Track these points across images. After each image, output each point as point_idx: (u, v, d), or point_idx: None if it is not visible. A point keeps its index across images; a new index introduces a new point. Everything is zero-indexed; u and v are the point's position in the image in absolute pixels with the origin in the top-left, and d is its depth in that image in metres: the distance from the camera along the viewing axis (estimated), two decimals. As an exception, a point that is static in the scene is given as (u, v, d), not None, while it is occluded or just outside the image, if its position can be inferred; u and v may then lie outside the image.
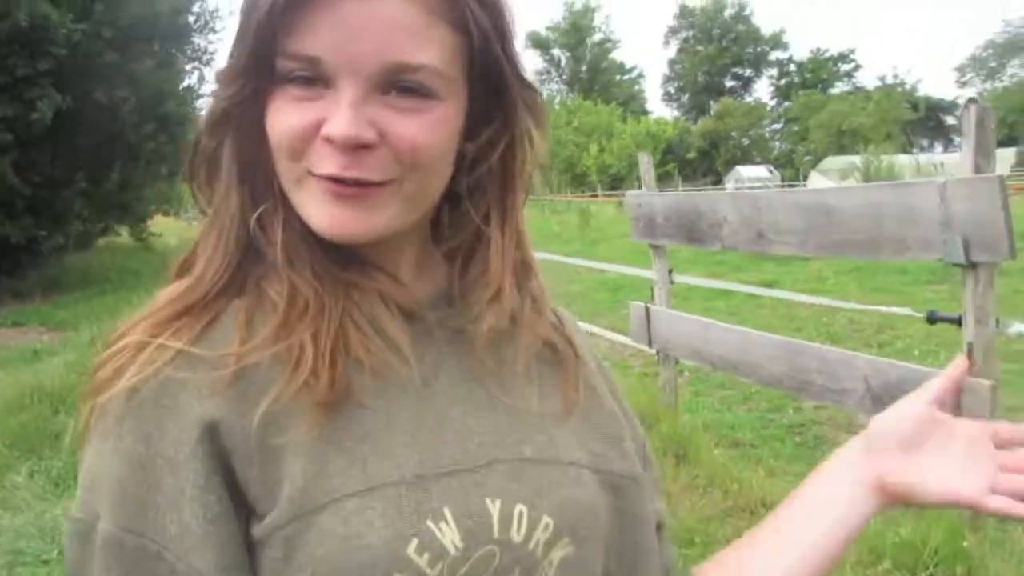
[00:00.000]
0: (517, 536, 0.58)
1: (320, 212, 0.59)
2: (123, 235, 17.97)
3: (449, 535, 0.55)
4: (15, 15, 10.28)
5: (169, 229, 21.53)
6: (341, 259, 0.63)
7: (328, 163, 0.57)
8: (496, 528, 0.57)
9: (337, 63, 0.57)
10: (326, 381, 0.57)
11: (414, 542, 0.54)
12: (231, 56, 0.60)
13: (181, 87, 15.38)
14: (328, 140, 0.57)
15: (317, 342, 0.58)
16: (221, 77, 0.60)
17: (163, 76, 13.67)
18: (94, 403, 0.58)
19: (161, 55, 14.00)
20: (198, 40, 14.89)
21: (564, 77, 79.53)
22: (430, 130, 0.59)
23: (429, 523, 0.55)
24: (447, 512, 0.56)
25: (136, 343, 0.59)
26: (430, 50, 0.58)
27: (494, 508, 0.58)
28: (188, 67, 15.58)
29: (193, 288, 0.61)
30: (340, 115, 0.56)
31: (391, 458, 0.57)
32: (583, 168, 50.79)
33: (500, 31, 0.62)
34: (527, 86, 0.65)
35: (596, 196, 37.37)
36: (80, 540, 0.56)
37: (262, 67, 0.58)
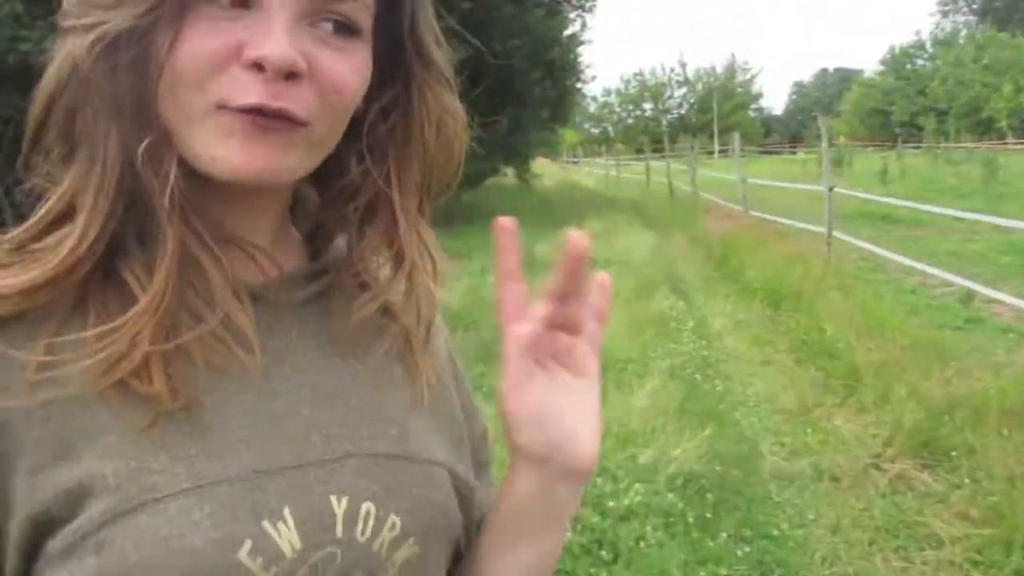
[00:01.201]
0: (361, 536, 0.54)
1: (229, 148, 0.51)
2: (508, 175, 19.57)
3: (287, 536, 0.51)
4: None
5: (547, 171, 23.00)
6: (203, 224, 0.53)
7: (253, 92, 0.50)
8: (340, 527, 0.53)
9: None
10: (159, 389, 0.50)
11: (247, 544, 0.49)
12: None
13: (565, 34, 16.11)
14: (257, 65, 0.50)
15: (152, 340, 0.50)
16: None
17: (551, 24, 14.41)
18: None
19: (550, 4, 14.76)
20: (582, -12, 15.37)
21: (974, 7, 68.99)
22: (354, 71, 0.54)
23: (265, 523, 0.50)
24: (286, 512, 0.51)
25: None
26: None
27: (339, 506, 0.54)
28: (572, 15, 16.23)
29: (69, 255, 0.51)
30: (275, 37, 0.50)
31: (224, 455, 0.51)
32: (991, 112, 43.94)
33: None
34: (433, 45, 0.60)
35: (1006, 143, 32.15)
36: None
37: None
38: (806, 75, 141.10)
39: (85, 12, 0.50)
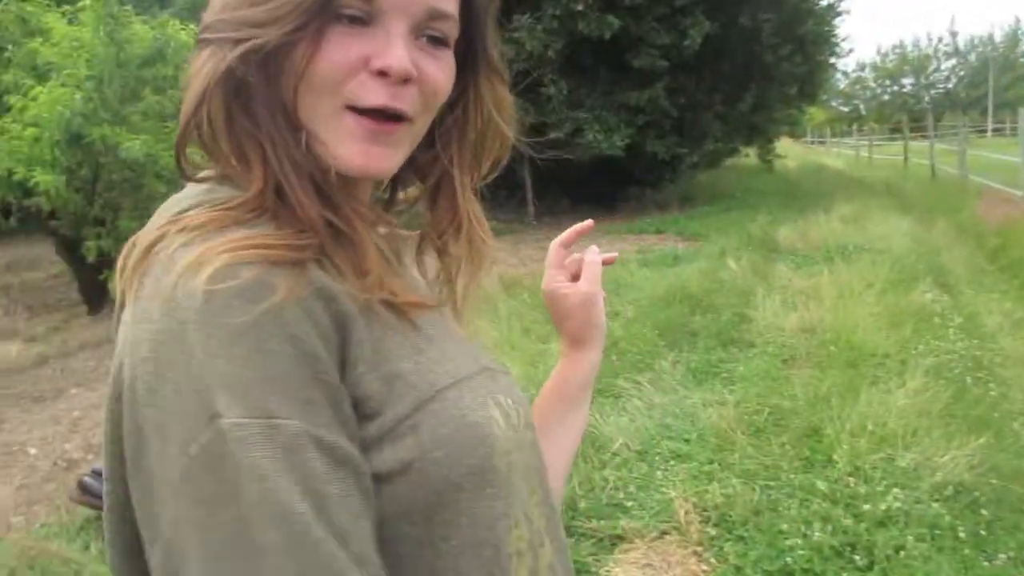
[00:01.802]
0: (516, 421, 0.69)
1: (353, 148, 0.63)
2: (749, 155, 18.77)
3: (499, 417, 0.66)
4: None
5: (792, 152, 21.78)
6: (364, 207, 0.69)
7: (377, 95, 0.62)
8: (512, 414, 0.68)
9: (390, 3, 0.61)
10: (411, 297, 0.67)
11: (496, 421, 0.65)
12: None
13: (820, 5, 15.07)
14: (382, 73, 0.61)
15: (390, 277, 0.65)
16: (275, 12, 0.59)
17: (805, -5, 13.54)
18: (211, 293, 0.53)
19: (806, -27, 13.87)
20: (846, -47, 14.23)
21: None
22: (446, 76, 0.66)
23: (492, 408, 0.66)
24: (491, 401, 0.67)
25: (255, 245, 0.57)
26: (453, 3, 0.66)
27: (502, 400, 0.68)
28: (831, -16, 15.12)
29: (304, 222, 0.61)
30: (397, 49, 0.61)
31: (451, 360, 0.67)
32: None
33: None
34: (494, 48, 0.72)
35: None
36: (264, 441, 0.51)
37: (323, 5, 0.59)
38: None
39: (236, 28, 0.61)
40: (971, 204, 11.24)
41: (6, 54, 8.27)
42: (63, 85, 6.98)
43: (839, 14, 15.87)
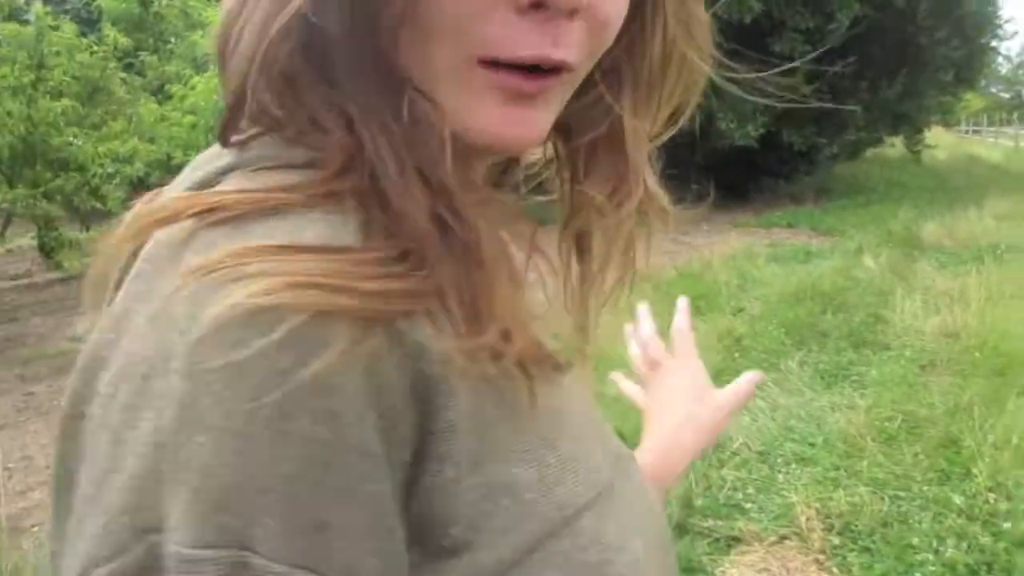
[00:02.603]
0: (654, 536, 0.52)
1: (493, 113, 0.42)
2: (895, 146, 17.76)
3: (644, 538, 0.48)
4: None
5: (943, 141, 20.46)
6: (475, 188, 0.45)
7: (531, 41, 0.41)
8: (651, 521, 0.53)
9: None
10: (539, 358, 0.42)
11: (639, 544, 0.46)
12: None
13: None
14: (537, 4, 0.40)
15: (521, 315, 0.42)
16: None
17: (966, -27, 12.64)
18: (223, 333, 0.33)
19: (967, -51, 12.95)
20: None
21: None
22: (620, 2, 0.45)
23: (637, 512, 0.49)
24: (638, 507, 0.50)
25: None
26: None
27: (641, 504, 0.52)
28: (996, -39, 14.05)
29: (409, 236, 0.38)
30: None
31: (591, 456, 0.47)
32: None
33: None
34: None
35: None
36: None
37: None
38: None
39: None
40: None
41: (169, 46, 8.92)
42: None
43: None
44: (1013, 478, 3.13)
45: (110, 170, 7.35)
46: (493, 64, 0.42)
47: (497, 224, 0.45)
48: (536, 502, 0.41)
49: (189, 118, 7.53)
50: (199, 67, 7.93)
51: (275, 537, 0.33)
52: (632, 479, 0.51)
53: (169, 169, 7.69)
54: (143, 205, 0.43)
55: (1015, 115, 39.08)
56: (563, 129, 0.52)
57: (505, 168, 0.55)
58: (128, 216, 0.42)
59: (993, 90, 58.53)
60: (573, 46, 0.43)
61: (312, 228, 0.37)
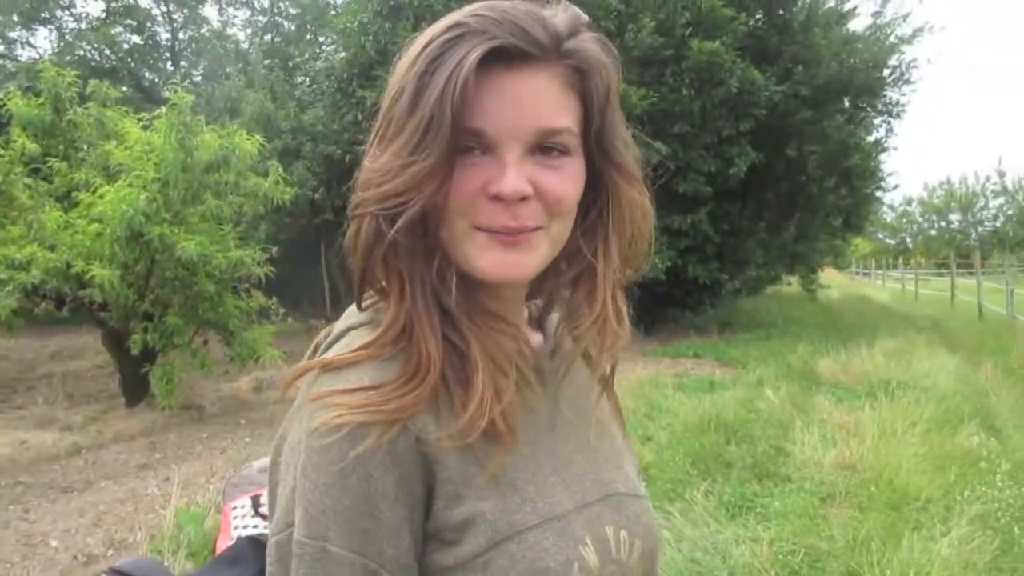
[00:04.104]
0: (624, 556, 0.74)
1: (488, 259, 0.70)
2: (791, 284, 18.70)
3: (591, 557, 0.71)
4: (728, 83, 11.58)
5: (835, 282, 21.63)
6: (491, 314, 0.74)
7: (498, 217, 0.69)
8: (613, 550, 0.73)
9: (500, 133, 0.68)
10: (508, 430, 0.70)
11: (576, 565, 0.70)
12: (422, 128, 0.66)
13: (867, 140, 15.33)
14: (497, 197, 0.68)
15: (498, 398, 0.70)
16: (415, 179, 0.67)
17: (850, 130, 13.80)
18: (318, 433, 0.67)
19: (851, 110, 14.18)
20: (891, 93, 14.61)
21: None
22: (569, 182, 0.72)
23: (581, 548, 0.71)
24: (588, 539, 0.72)
25: (372, 401, 0.67)
26: (567, 115, 0.71)
27: (610, 534, 0.74)
28: (877, 120, 15.43)
29: (421, 365, 0.70)
30: (508, 176, 0.68)
31: (549, 497, 0.72)
32: None
33: (609, 100, 0.73)
34: (623, 151, 0.76)
35: None
36: (312, 560, 0.66)
37: (453, 141, 0.66)
38: None
39: (381, 201, 0.69)
40: (1020, 345, 10.97)
41: (81, 154, 8.76)
42: (130, 185, 7.33)
43: (885, 149, 16.11)
44: (911, 614, 3.15)
45: (2, 276, 7.01)
46: (482, 230, 0.69)
47: (497, 334, 0.73)
48: (497, 521, 0.69)
49: (95, 226, 7.32)
50: (110, 176, 7.79)
51: (340, 536, 0.66)
52: (622, 510, 0.77)
53: (67, 278, 7.40)
54: (317, 345, 0.80)
55: (899, 260, 41.90)
56: (562, 264, 0.79)
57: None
58: (311, 351, 0.80)
59: (880, 236, 62.93)
60: (529, 217, 0.69)
61: (370, 374, 0.69)
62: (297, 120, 15.23)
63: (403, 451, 0.67)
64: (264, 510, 1.77)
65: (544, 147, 0.70)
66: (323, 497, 0.66)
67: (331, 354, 0.73)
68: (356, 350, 0.71)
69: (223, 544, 1.62)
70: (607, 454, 0.82)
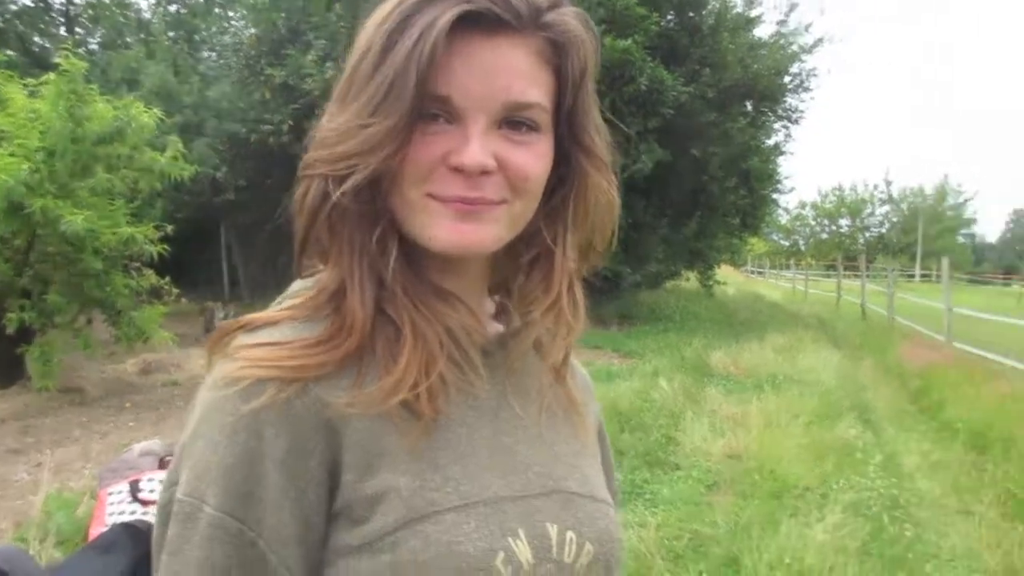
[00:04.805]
0: (568, 558, 0.68)
1: (443, 227, 0.66)
2: (690, 279, 19.29)
3: (523, 552, 0.65)
4: (638, 80, 11.81)
5: (732, 279, 22.40)
6: (435, 290, 0.70)
7: (456, 187, 0.65)
8: (555, 549, 0.67)
9: (466, 102, 0.64)
10: (430, 406, 0.66)
11: (501, 555, 0.64)
12: (384, 89, 0.63)
13: (766, 143, 15.93)
14: (458, 169, 0.64)
15: (425, 375, 0.66)
16: (370, 142, 0.63)
17: (752, 133, 14.32)
18: (215, 386, 0.64)
19: (753, 114, 14.70)
20: (791, 99, 15.22)
21: None
22: (536, 160, 0.68)
23: (510, 540, 0.65)
24: (521, 532, 0.66)
25: (278, 355, 0.64)
26: (539, 90, 0.67)
27: (553, 532, 0.68)
28: (776, 125, 16.05)
29: (342, 330, 0.66)
30: (471, 147, 0.64)
31: (477, 480, 0.66)
32: None
33: (584, 79, 0.70)
34: (593, 135, 0.72)
35: None
36: (184, 519, 0.62)
37: (415, 105, 0.63)
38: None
39: (333, 163, 0.65)
40: (897, 345, 11.67)
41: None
42: (11, 155, 6.91)
43: (783, 153, 16.78)
44: (785, 597, 3.31)
45: None
46: (436, 198, 0.65)
47: (440, 312, 0.69)
48: (412, 498, 0.63)
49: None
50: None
51: (217, 497, 0.61)
52: (569, 508, 0.70)
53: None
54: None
55: (792, 260, 43.81)
56: (520, 246, 0.74)
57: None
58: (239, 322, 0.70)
59: (775, 237, 65.56)
60: (490, 190, 0.66)
61: (283, 332, 0.66)
62: (200, 95, 14.69)
63: (300, 413, 0.62)
64: (145, 495, 1.72)
65: (513, 121, 0.66)
66: (209, 454, 0.62)
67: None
68: (280, 310, 0.69)
69: (96, 531, 1.55)
70: (561, 451, 0.75)
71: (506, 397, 0.74)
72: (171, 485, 0.64)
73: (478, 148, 0.64)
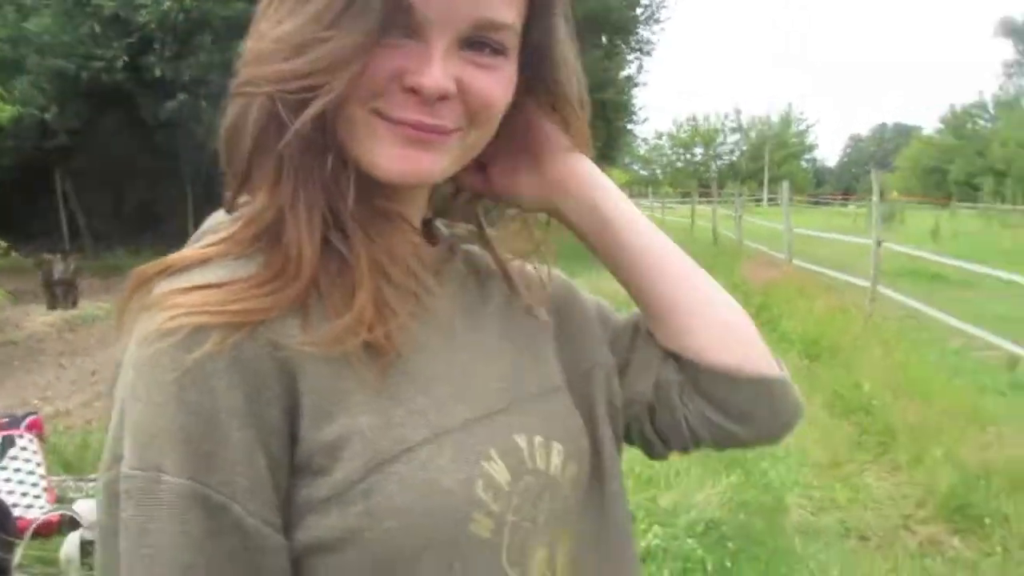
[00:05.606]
0: (542, 464, 0.65)
1: (392, 153, 0.59)
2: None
3: (500, 472, 0.61)
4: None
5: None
6: (383, 212, 0.63)
7: (408, 110, 0.58)
8: (527, 460, 0.63)
9: (432, 14, 0.57)
10: (384, 337, 0.58)
11: (479, 482, 0.59)
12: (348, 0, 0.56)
13: (621, 75, 16.26)
14: (414, 90, 0.58)
15: (385, 308, 0.59)
16: (335, 16, 0.55)
17: (606, 65, 14.56)
18: (147, 341, 0.55)
19: (607, 46, 14.93)
20: (643, 31, 15.55)
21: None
22: (500, 85, 0.62)
23: (484, 463, 0.60)
24: (492, 452, 0.61)
25: (215, 298, 0.56)
26: (512, 10, 0.60)
27: (522, 442, 0.64)
28: (630, 57, 16.39)
29: (287, 267, 0.58)
30: (432, 68, 0.57)
31: (444, 407, 0.61)
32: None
33: (557, 3, 0.65)
34: (567, 64, 0.67)
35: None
36: (141, 496, 0.53)
37: (387, 17, 0.56)
38: (863, 130, 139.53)
39: (279, 82, 0.56)
40: (744, 265, 12.39)
41: None
42: None
43: (636, 84, 17.19)
44: (634, 503, 3.53)
45: None
46: (384, 118, 0.58)
47: (392, 240, 0.62)
48: (377, 439, 0.56)
49: None
50: None
51: (176, 463, 0.53)
52: (528, 414, 0.66)
53: None
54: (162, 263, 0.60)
55: (650, 189, 45.30)
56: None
57: (470, 199, 0.75)
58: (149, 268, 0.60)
59: (635, 167, 67.48)
60: (447, 117, 0.59)
61: (216, 272, 0.57)
62: (17, 28, 13.37)
63: (252, 359, 0.54)
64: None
65: (477, 41, 0.60)
66: (155, 418, 0.53)
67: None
68: (206, 247, 0.60)
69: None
70: (517, 358, 0.71)
71: (456, 314, 0.69)
72: (114, 462, 0.55)
73: (439, 69, 0.57)
